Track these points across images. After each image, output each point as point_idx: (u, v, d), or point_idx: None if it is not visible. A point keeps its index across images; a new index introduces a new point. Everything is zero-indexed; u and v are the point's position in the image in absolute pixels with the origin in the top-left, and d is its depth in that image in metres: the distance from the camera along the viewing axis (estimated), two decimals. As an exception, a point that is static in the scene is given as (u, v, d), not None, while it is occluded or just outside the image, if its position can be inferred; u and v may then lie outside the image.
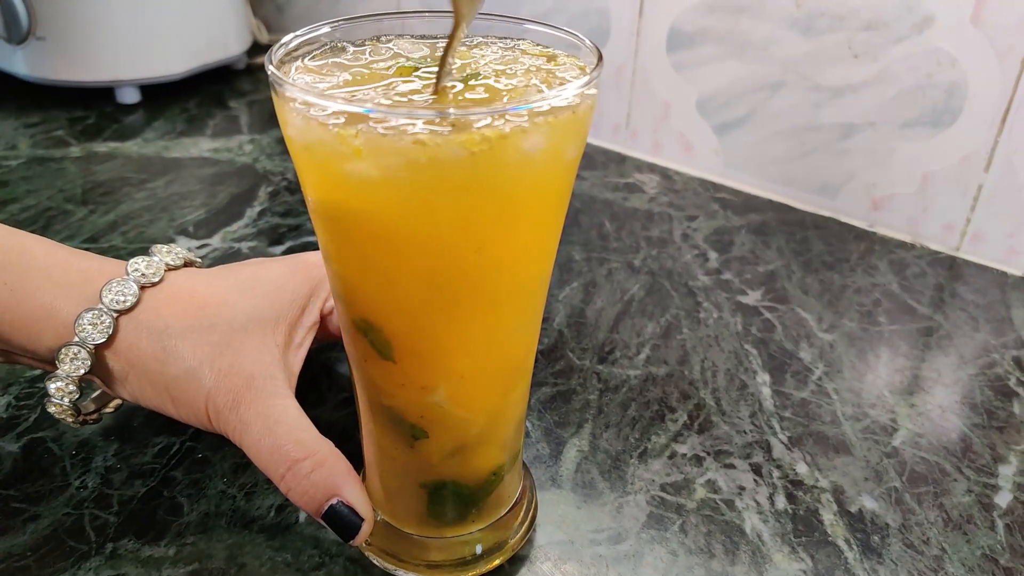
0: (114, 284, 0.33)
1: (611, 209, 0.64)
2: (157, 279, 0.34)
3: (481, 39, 0.29)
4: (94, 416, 0.36)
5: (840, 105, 0.61)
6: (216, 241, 0.56)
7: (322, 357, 0.45)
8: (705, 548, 0.35)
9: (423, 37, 0.30)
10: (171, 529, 0.34)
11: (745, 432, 0.41)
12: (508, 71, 0.27)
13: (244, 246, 0.56)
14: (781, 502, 0.37)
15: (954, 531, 0.36)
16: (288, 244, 0.56)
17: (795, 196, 0.66)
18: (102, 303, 0.32)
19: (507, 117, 0.23)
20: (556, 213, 0.28)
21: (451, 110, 0.23)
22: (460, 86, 0.25)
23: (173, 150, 0.70)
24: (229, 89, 0.84)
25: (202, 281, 0.35)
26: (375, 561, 0.33)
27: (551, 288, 0.45)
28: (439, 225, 0.24)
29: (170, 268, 0.35)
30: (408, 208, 0.24)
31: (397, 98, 0.25)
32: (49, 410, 0.34)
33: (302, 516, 0.35)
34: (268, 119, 0.77)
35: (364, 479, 0.34)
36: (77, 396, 0.33)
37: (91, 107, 0.77)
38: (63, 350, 0.32)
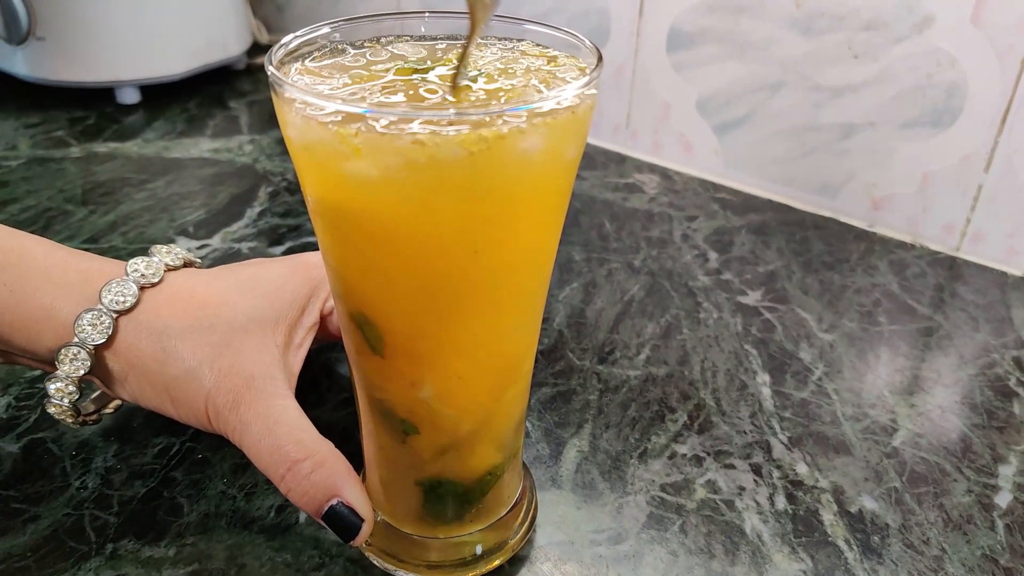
0: (114, 285, 0.33)
1: (611, 209, 0.64)
2: (157, 279, 0.34)
3: (480, 40, 0.29)
4: (94, 417, 0.36)
5: (840, 105, 0.61)
6: (216, 241, 0.56)
7: (322, 357, 0.45)
8: (705, 548, 0.35)
9: (422, 38, 0.30)
10: (171, 530, 0.34)
11: (745, 432, 0.41)
12: (508, 71, 0.27)
13: (244, 246, 0.56)
14: (781, 502, 0.37)
15: (954, 531, 0.36)
16: (288, 244, 0.56)
17: (795, 196, 0.66)
18: (102, 304, 0.32)
19: (506, 118, 0.23)
20: (556, 214, 0.28)
21: (451, 111, 0.23)
22: (474, 86, 0.25)
23: (173, 150, 0.70)
24: (229, 89, 0.84)
25: (202, 281, 0.35)
26: (375, 562, 0.33)
27: (551, 288, 0.45)
28: (438, 225, 0.24)
29: (170, 268, 0.35)
30: (407, 208, 0.24)
31: (410, 93, 0.25)
32: (49, 411, 0.34)
33: (302, 517, 0.35)
34: (268, 119, 0.77)
35: (364, 479, 0.34)
36: (77, 397, 0.33)
37: (91, 107, 0.77)
38: (63, 351, 0.32)
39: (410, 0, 0.85)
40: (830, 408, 0.43)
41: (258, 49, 0.92)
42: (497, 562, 0.33)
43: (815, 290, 0.54)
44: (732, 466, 0.39)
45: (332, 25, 0.28)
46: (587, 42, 0.27)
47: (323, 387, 0.43)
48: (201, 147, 0.71)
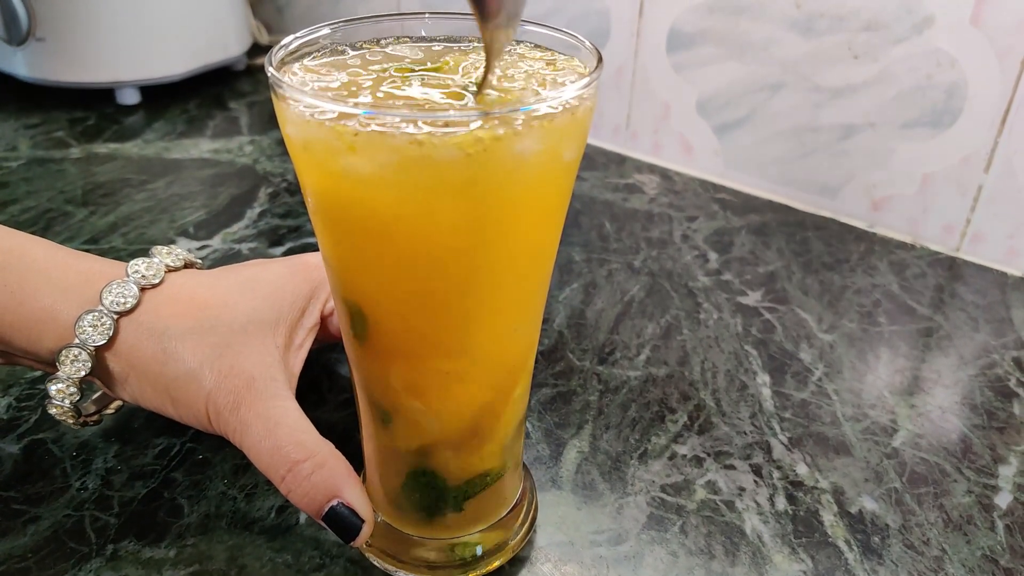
0: (114, 286, 0.33)
1: (611, 210, 0.64)
2: (157, 280, 0.34)
3: (478, 43, 0.29)
4: (95, 417, 0.36)
5: (840, 106, 0.61)
6: (216, 242, 0.56)
7: (322, 358, 0.45)
8: (705, 549, 0.35)
9: (422, 39, 0.30)
10: (172, 530, 0.34)
11: (745, 433, 0.41)
12: (507, 74, 0.27)
13: (244, 247, 0.56)
14: (781, 503, 0.37)
15: (954, 532, 0.36)
16: (288, 245, 0.56)
17: (795, 197, 0.66)
18: (102, 305, 0.32)
19: (504, 120, 0.23)
20: (556, 215, 0.28)
21: (451, 112, 0.23)
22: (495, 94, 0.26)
23: (173, 151, 0.70)
24: (229, 90, 0.84)
25: (202, 282, 0.35)
26: (375, 562, 0.33)
27: (551, 289, 0.45)
28: (436, 225, 0.24)
29: (170, 269, 0.35)
30: (405, 208, 0.24)
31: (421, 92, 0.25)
32: (50, 411, 0.34)
33: (302, 517, 0.35)
34: (268, 120, 0.77)
35: (364, 480, 0.34)
36: (78, 398, 0.33)
37: (91, 108, 0.77)
38: (64, 352, 0.32)
39: (410, 1, 0.86)
40: (830, 409, 0.43)
41: (258, 50, 0.92)
42: (497, 563, 0.33)
43: (815, 291, 0.54)
44: (732, 467, 0.39)
45: (332, 26, 0.28)
46: (587, 43, 0.27)
47: (323, 388, 0.43)
48: (201, 148, 0.71)
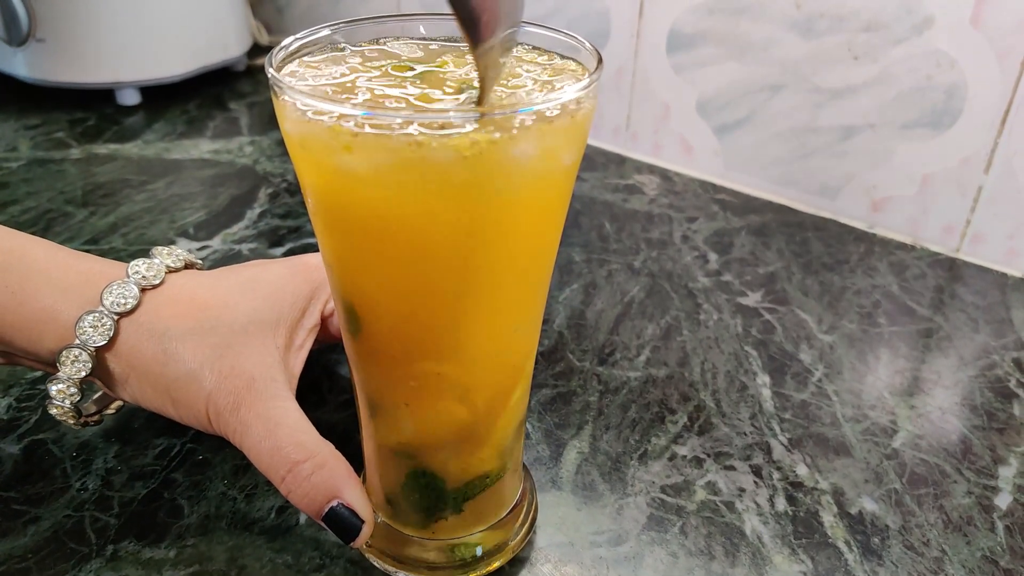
0: (115, 286, 0.33)
1: (611, 211, 0.64)
2: (158, 281, 0.34)
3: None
4: (95, 418, 0.36)
5: (840, 107, 0.61)
6: (216, 243, 0.56)
7: (323, 359, 0.45)
8: (705, 550, 0.35)
9: (422, 39, 0.30)
10: (172, 531, 0.34)
11: (745, 434, 0.41)
12: (505, 78, 0.27)
13: (244, 248, 0.56)
14: (781, 504, 0.37)
15: (954, 533, 0.36)
16: (288, 246, 0.56)
17: (795, 197, 0.66)
18: (103, 305, 0.32)
19: (501, 122, 0.23)
20: (555, 217, 0.28)
21: (449, 114, 0.23)
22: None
23: (173, 152, 0.70)
24: (229, 91, 0.84)
25: (203, 283, 0.35)
26: (375, 563, 0.33)
27: (551, 289, 0.45)
28: (434, 226, 0.24)
29: (171, 270, 0.35)
30: (402, 208, 0.24)
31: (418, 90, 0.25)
32: (50, 412, 0.34)
33: (302, 518, 0.35)
34: (268, 121, 0.77)
35: (364, 481, 0.34)
36: (78, 398, 0.33)
37: (91, 109, 0.77)
38: (64, 352, 0.32)
39: (410, 1, 0.86)
40: (830, 409, 0.43)
41: (258, 50, 0.92)
42: (497, 564, 0.33)
43: (815, 291, 0.54)
44: (732, 467, 0.39)
45: (332, 27, 0.28)
46: (587, 44, 0.27)
47: (324, 388, 0.43)
48: (201, 148, 0.71)
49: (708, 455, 0.40)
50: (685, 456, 0.40)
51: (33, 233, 0.35)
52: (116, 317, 0.32)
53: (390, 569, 0.33)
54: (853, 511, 0.37)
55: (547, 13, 0.73)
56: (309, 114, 0.23)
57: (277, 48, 0.26)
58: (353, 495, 0.30)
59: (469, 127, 0.22)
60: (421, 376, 0.28)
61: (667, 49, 0.68)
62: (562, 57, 0.29)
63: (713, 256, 0.58)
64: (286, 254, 0.55)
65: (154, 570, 0.32)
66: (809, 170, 0.64)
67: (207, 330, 0.33)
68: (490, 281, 0.26)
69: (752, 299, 0.53)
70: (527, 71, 0.27)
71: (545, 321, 0.49)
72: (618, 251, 0.58)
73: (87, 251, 0.36)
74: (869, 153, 0.61)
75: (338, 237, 0.27)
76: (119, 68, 0.76)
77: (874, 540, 0.35)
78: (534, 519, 0.35)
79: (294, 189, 0.64)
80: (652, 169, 0.71)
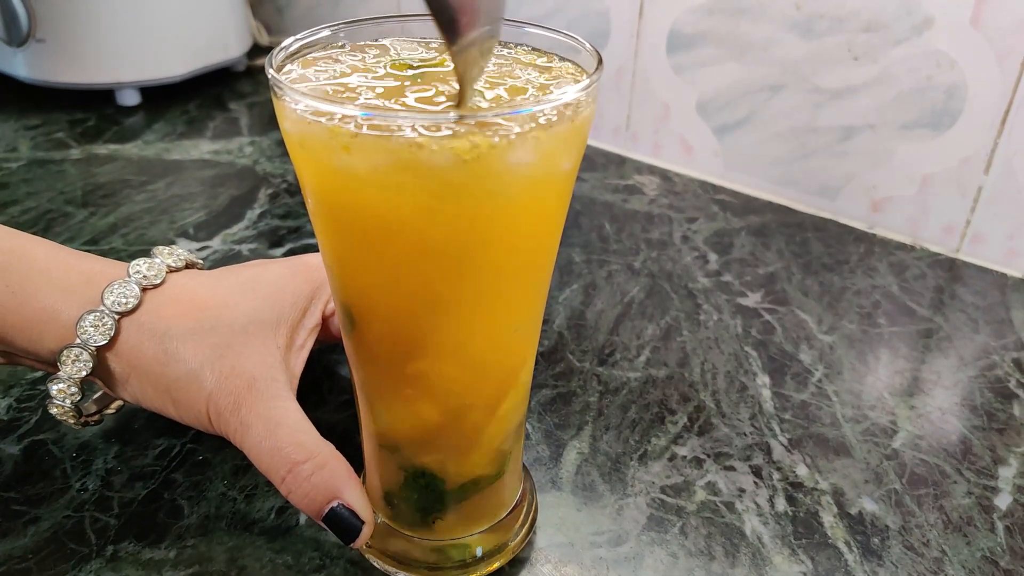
0: (115, 286, 0.33)
1: (611, 211, 0.64)
2: (159, 281, 0.34)
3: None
4: (95, 417, 0.36)
5: (840, 107, 0.61)
6: (216, 243, 0.56)
7: (323, 359, 0.45)
8: (705, 550, 0.35)
9: (423, 39, 0.30)
10: (171, 531, 0.34)
11: (745, 434, 0.41)
12: (504, 81, 0.27)
13: (244, 248, 0.56)
14: (781, 504, 0.37)
15: (954, 533, 0.36)
16: (288, 246, 0.56)
17: (795, 198, 0.66)
18: (104, 305, 0.32)
19: (501, 125, 0.23)
20: (555, 219, 0.28)
21: (449, 114, 0.23)
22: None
23: (173, 152, 0.70)
24: (229, 91, 0.84)
25: (203, 283, 0.35)
26: (375, 563, 0.33)
27: (551, 290, 0.45)
28: (435, 227, 0.24)
29: (172, 270, 0.35)
30: (401, 210, 0.24)
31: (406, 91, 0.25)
32: (51, 411, 0.34)
33: (302, 518, 0.35)
34: (268, 121, 0.77)
35: (364, 481, 0.34)
36: (79, 398, 0.33)
37: (91, 109, 0.77)
38: (65, 352, 0.32)
39: (410, 2, 0.86)
40: (830, 410, 0.43)
41: (258, 51, 0.92)
42: (497, 564, 0.33)
43: (815, 292, 0.54)
44: (732, 468, 0.39)
45: (332, 28, 0.28)
46: (587, 45, 0.27)
47: (324, 389, 0.43)
48: (201, 149, 0.71)
49: (708, 455, 0.40)
50: (685, 456, 0.40)
51: (33, 233, 0.35)
52: (117, 317, 0.32)
53: (390, 569, 0.33)
54: (853, 511, 0.37)
55: (547, 13, 0.73)
56: (309, 115, 0.23)
57: (277, 49, 0.27)
58: (353, 495, 0.30)
59: (469, 129, 0.22)
60: (421, 377, 0.28)
61: (667, 49, 0.68)
62: (561, 59, 0.29)
63: (713, 256, 0.58)
64: (286, 254, 0.55)
65: (154, 570, 0.32)
66: (809, 170, 0.64)
67: (208, 330, 0.33)
68: (489, 282, 0.26)
69: (752, 299, 0.53)
70: (526, 75, 0.27)
71: (545, 321, 0.49)
72: (618, 251, 0.58)
73: (87, 251, 0.36)
74: (869, 153, 0.61)
75: (338, 238, 0.27)
76: (119, 68, 0.76)
77: (874, 540, 0.35)
78: (534, 520, 0.35)
79: (294, 189, 0.64)
80: (652, 169, 0.71)
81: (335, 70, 0.27)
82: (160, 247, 0.36)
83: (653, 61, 0.69)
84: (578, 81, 0.27)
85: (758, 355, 0.47)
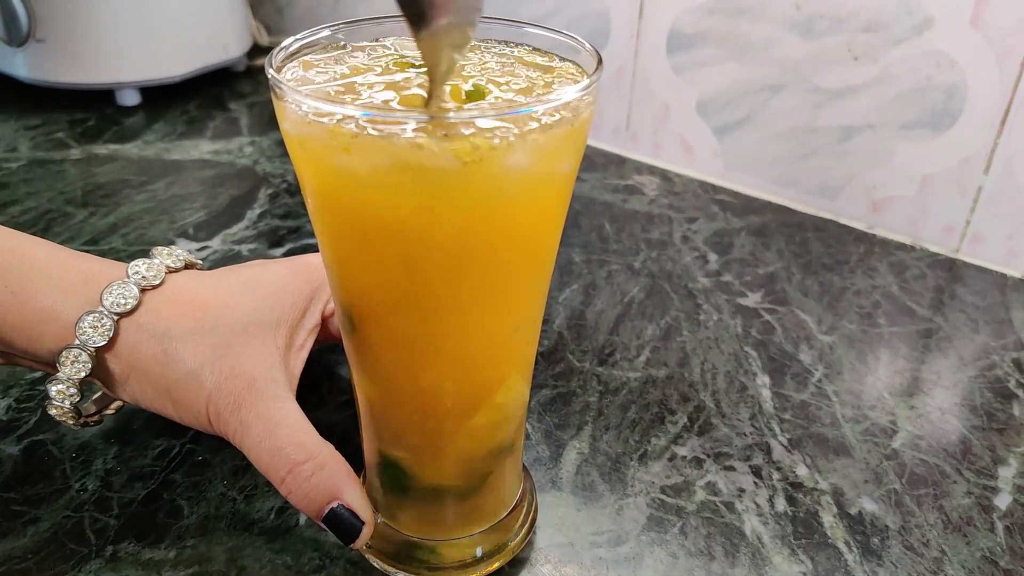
0: (115, 287, 0.33)
1: (611, 211, 0.64)
2: (158, 281, 0.34)
3: (477, 43, 0.29)
4: (95, 418, 0.36)
5: (840, 107, 0.61)
6: (216, 243, 0.56)
7: (323, 359, 0.45)
8: (705, 550, 0.35)
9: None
10: (171, 532, 0.34)
11: (745, 434, 0.41)
12: (504, 81, 0.27)
13: (244, 248, 0.56)
14: (781, 504, 0.37)
15: (954, 533, 0.36)
16: (288, 246, 0.56)
17: (795, 198, 0.66)
18: (103, 306, 0.32)
19: (501, 125, 0.23)
20: (554, 220, 0.28)
21: (450, 114, 0.23)
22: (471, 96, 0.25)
23: (173, 152, 0.70)
24: (229, 91, 0.84)
25: (203, 283, 0.35)
26: (375, 564, 0.33)
27: (551, 290, 0.45)
28: (434, 228, 0.24)
29: (171, 270, 0.35)
30: (401, 210, 0.24)
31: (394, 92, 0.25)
32: (50, 412, 0.34)
33: (302, 519, 0.35)
34: (268, 121, 0.77)
35: (364, 482, 0.34)
36: (78, 398, 0.33)
37: (91, 109, 0.77)
38: (64, 352, 0.32)
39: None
40: (830, 410, 0.43)
41: (258, 51, 0.92)
42: (497, 564, 0.33)
43: (815, 292, 0.54)
44: (732, 468, 0.39)
45: (332, 28, 0.28)
46: (587, 45, 0.27)
47: (324, 389, 0.43)
48: (201, 149, 0.71)
49: (708, 455, 0.40)
50: (685, 456, 0.40)
51: (33, 233, 0.35)
52: (116, 317, 0.32)
53: (390, 570, 0.33)
54: (853, 511, 0.37)
55: (547, 13, 0.73)
56: (309, 115, 0.23)
57: (277, 49, 0.27)
58: (353, 496, 0.30)
59: (469, 130, 0.22)
60: (420, 377, 0.28)
61: (667, 49, 0.68)
62: (562, 59, 0.29)
63: (713, 256, 0.58)
64: (286, 254, 0.55)
65: (153, 571, 0.32)
66: (809, 170, 0.64)
67: (207, 330, 0.33)
68: (489, 283, 0.26)
69: (752, 299, 0.53)
70: (526, 75, 0.27)
71: (545, 321, 0.49)
72: (618, 251, 0.58)
73: (87, 251, 0.36)
74: (869, 153, 0.61)
75: (338, 238, 0.27)
76: (119, 68, 0.76)
77: (874, 540, 0.35)
78: (534, 520, 0.35)
79: (294, 189, 0.64)
80: (652, 170, 0.71)
81: (335, 72, 0.27)
82: (159, 248, 0.36)
83: (653, 61, 0.69)
84: (578, 81, 0.27)
85: (758, 355, 0.47)
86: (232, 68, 0.88)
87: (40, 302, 0.32)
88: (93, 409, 0.37)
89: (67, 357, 0.32)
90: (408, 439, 0.30)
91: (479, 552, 0.33)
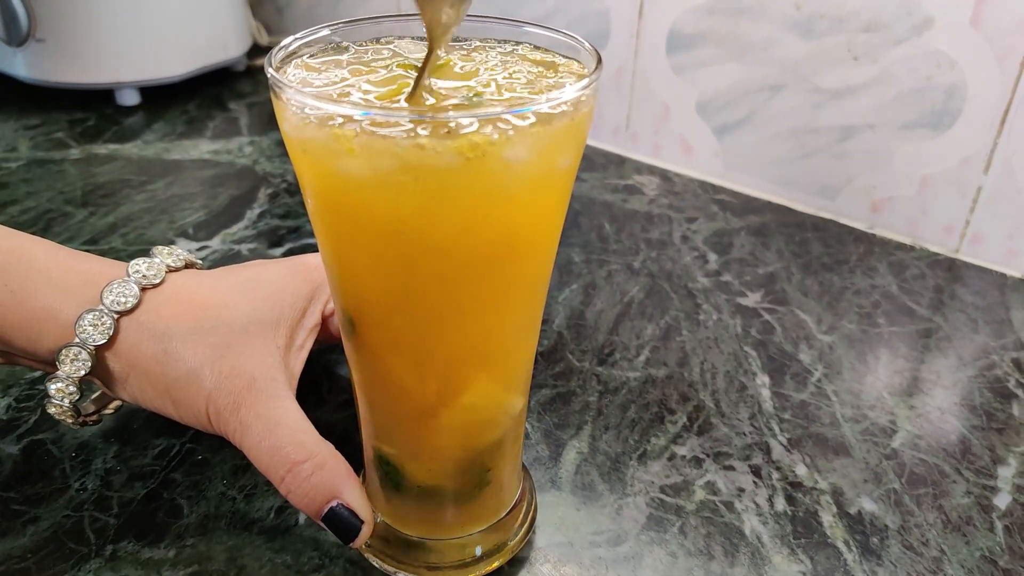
0: (115, 285, 0.33)
1: (611, 211, 0.64)
2: (158, 280, 0.34)
3: (479, 43, 0.30)
4: (94, 417, 0.36)
5: (840, 107, 0.61)
6: (216, 243, 0.56)
7: (323, 359, 0.45)
8: (704, 550, 0.35)
9: (423, 39, 0.30)
10: (171, 531, 0.34)
11: (744, 434, 0.41)
12: (505, 80, 0.27)
13: (244, 248, 0.56)
14: (780, 504, 0.37)
15: (953, 533, 0.36)
16: (288, 246, 0.56)
17: (795, 198, 0.66)
18: (103, 304, 0.32)
19: (501, 124, 0.23)
20: (554, 218, 0.28)
21: (450, 113, 0.23)
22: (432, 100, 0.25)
23: (173, 152, 0.70)
24: (229, 91, 0.84)
25: (203, 283, 0.35)
26: (375, 563, 0.33)
27: (550, 290, 0.45)
28: (436, 227, 0.24)
29: (171, 269, 0.35)
30: (402, 210, 0.24)
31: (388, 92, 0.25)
32: (49, 411, 0.34)
33: (302, 518, 0.35)
34: (268, 121, 0.77)
35: (364, 481, 0.34)
36: (77, 397, 0.33)
37: (91, 109, 0.77)
38: (64, 351, 0.32)
39: (409, 1, 0.85)
40: (829, 410, 0.43)
41: (258, 51, 0.92)
42: (497, 563, 0.33)
43: (815, 292, 0.54)
44: (731, 467, 0.39)
45: (332, 27, 0.28)
46: (587, 44, 0.27)
47: (323, 389, 0.43)
48: (201, 149, 0.71)
49: (707, 455, 0.40)
50: (684, 456, 0.40)
51: (33, 233, 0.35)
52: (116, 316, 0.32)
53: (389, 569, 0.33)
54: (852, 511, 0.37)
55: (547, 13, 0.73)
56: (309, 116, 0.23)
57: (277, 48, 0.27)
58: (353, 495, 0.30)
59: (471, 129, 0.22)
60: (419, 376, 0.28)
61: (667, 49, 0.68)
62: (564, 58, 0.29)
63: (713, 256, 0.58)
64: (286, 254, 0.55)
65: (153, 570, 0.32)
66: (809, 170, 0.64)
67: (207, 330, 0.33)
68: (489, 283, 0.26)
69: (751, 299, 0.53)
70: (528, 72, 0.27)
71: (545, 321, 0.49)
72: (618, 251, 0.58)
73: (87, 251, 0.36)
74: (869, 153, 0.61)
75: (338, 238, 0.27)
76: (119, 68, 0.76)
77: (873, 540, 0.35)
78: (533, 519, 0.35)
79: (294, 189, 0.64)
80: (652, 169, 0.71)
81: (335, 74, 0.27)
82: (159, 247, 0.36)
83: (653, 61, 0.69)
84: (580, 79, 0.27)
85: (758, 355, 0.47)
86: (232, 68, 0.88)
87: (40, 301, 0.32)
88: (92, 408, 0.37)
89: (67, 355, 0.32)
90: (406, 438, 0.30)
91: (479, 551, 0.33)
